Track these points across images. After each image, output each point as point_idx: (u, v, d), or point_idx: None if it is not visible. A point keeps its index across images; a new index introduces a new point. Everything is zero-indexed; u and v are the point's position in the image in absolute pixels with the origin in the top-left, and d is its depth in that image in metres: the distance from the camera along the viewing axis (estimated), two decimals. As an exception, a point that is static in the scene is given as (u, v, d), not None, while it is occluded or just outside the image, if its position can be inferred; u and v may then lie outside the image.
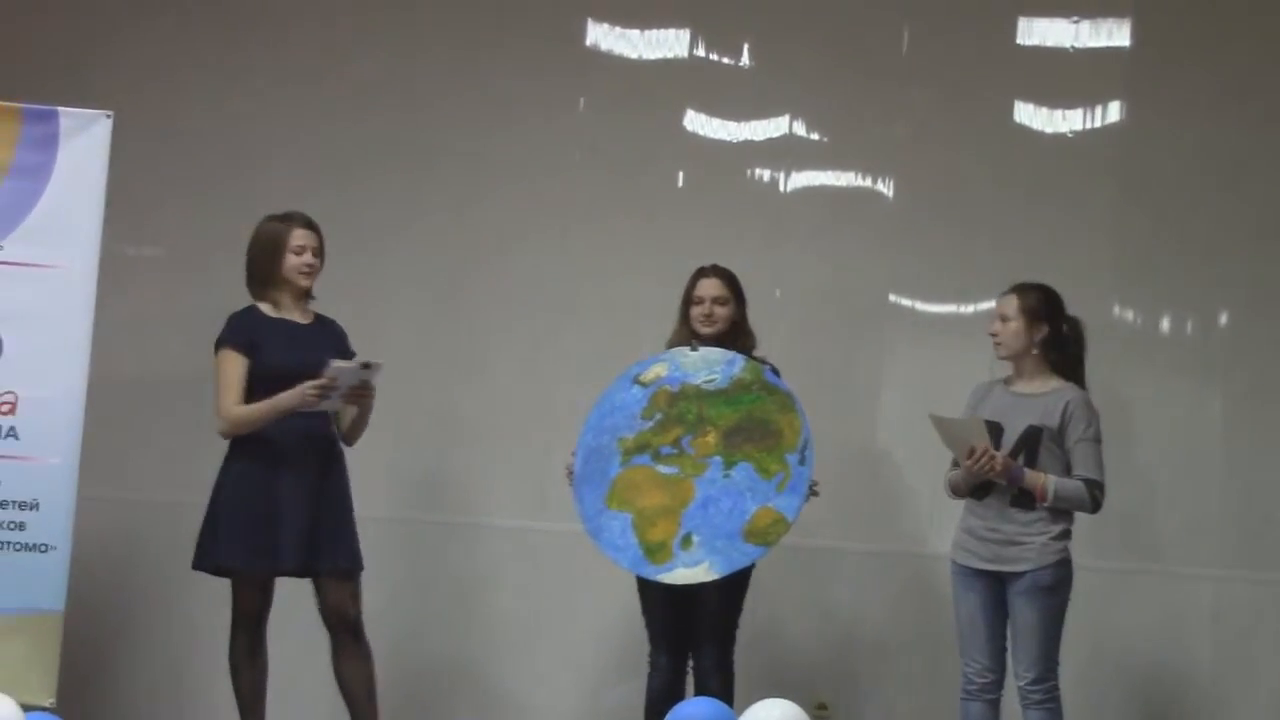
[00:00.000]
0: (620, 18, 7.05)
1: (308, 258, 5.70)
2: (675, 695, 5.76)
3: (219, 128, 7.05)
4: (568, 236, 6.99)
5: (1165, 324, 6.70)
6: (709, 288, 5.92)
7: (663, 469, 5.68)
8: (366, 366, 5.50)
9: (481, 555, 6.87)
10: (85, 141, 5.80)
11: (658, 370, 5.84)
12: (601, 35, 7.07)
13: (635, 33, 7.05)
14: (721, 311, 5.89)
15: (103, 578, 6.53)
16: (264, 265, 5.72)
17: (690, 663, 5.87)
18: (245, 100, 7.07)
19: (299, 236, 5.71)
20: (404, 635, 6.70)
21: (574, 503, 5.73)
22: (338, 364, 5.46)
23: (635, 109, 7.01)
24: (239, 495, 5.60)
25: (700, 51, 7.02)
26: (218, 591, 6.20)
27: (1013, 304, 5.60)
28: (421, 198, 6.97)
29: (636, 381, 5.84)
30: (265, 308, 5.72)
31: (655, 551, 5.56)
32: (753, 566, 5.70)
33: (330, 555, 5.66)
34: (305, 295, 5.77)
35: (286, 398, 5.49)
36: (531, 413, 6.81)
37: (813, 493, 5.62)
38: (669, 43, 7.05)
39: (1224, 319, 6.65)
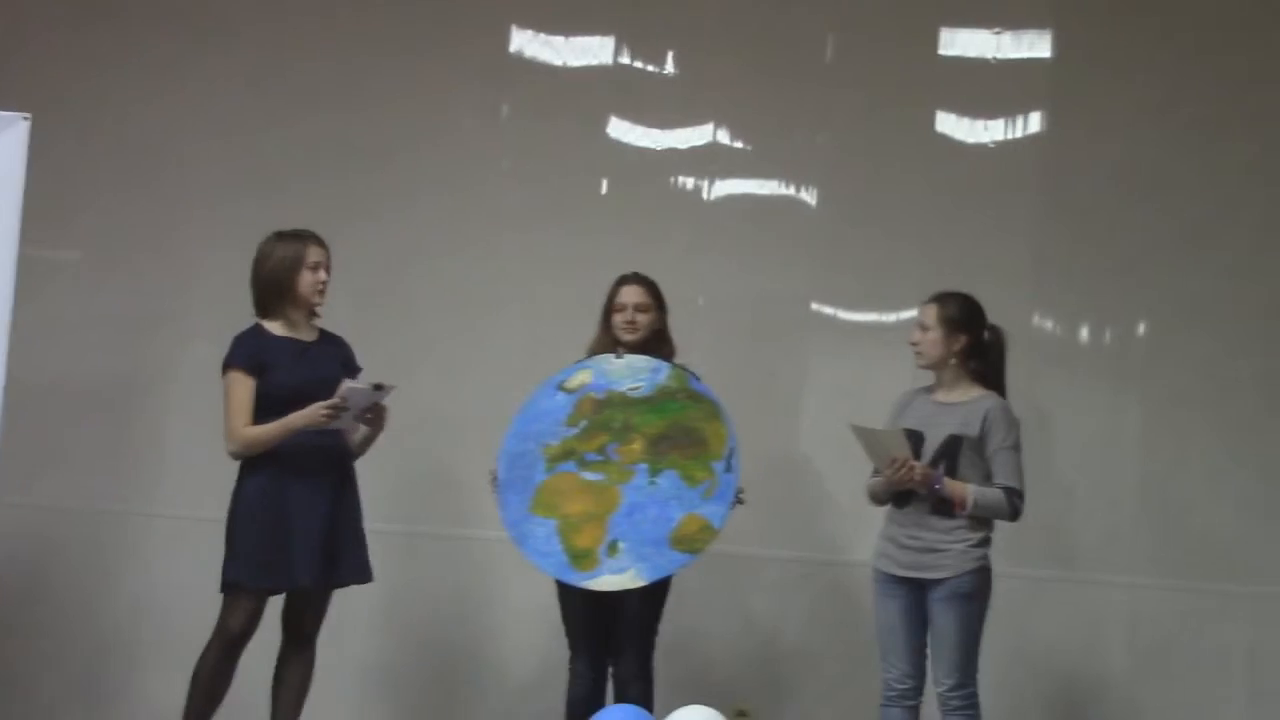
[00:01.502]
0: (544, 25, 7.05)
1: (322, 275, 5.68)
2: (596, 703, 5.75)
3: (140, 131, 7.02)
4: (491, 243, 6.98)
5: (1084, 333, 6.75)
6: (631, 294, 5.92)
7: (588, 475, 5.69)
8: (379, 388, 5.50)
9: (401, 563, 6.83)
10: (2, 143, 5.73)
11: (582, 377, 5.84)
12: (525, 42, 7.07)
13: (559, 40, 7.06)
14: (643, 319, 5.89)
15: (14, 585, 6.47)
16: (282, 282, 5.65)
17: (610, 670, 5.87)
18: (166, 103, 7.03)
19: (315, 254, 5.68)
20: (347, 641, 6.67)
21: (498, 509, 5.72)
22: (350, 385, 5.46)
23: (559, 116, 7.01)
24: (253, 512, 5.54)
25: (624, 59, 7.03)
26: (133, 601, 6.17)
27: (932, 313, 5.62)
28: (346, 204, 6.92)
29: (561, 388, 5.84)
30: (273, 326, 5.67)
31: (581, 558, 5.56)
32: (671, 575, 5.71)
33: (347, 569, 5.67)
34: (312, 313, 5.74)
35: (298, 418, 5.48)
36: (453, 419, 6.79)
37: (739, 500, 5.63)
38: (593, 50, 7.06)
39: (1142, 329, 6.71)
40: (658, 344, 5.92)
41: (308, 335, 5.73)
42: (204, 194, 6.96)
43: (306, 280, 5.66)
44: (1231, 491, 6.56)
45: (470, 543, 6.71)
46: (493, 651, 6.79)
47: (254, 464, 5.57)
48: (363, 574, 5.73)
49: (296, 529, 5.52)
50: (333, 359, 5.71)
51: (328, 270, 5.71)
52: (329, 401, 5.44)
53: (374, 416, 5.64)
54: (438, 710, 6.82)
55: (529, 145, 7.02)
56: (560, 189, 6.98)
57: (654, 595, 5.75)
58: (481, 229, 6.99)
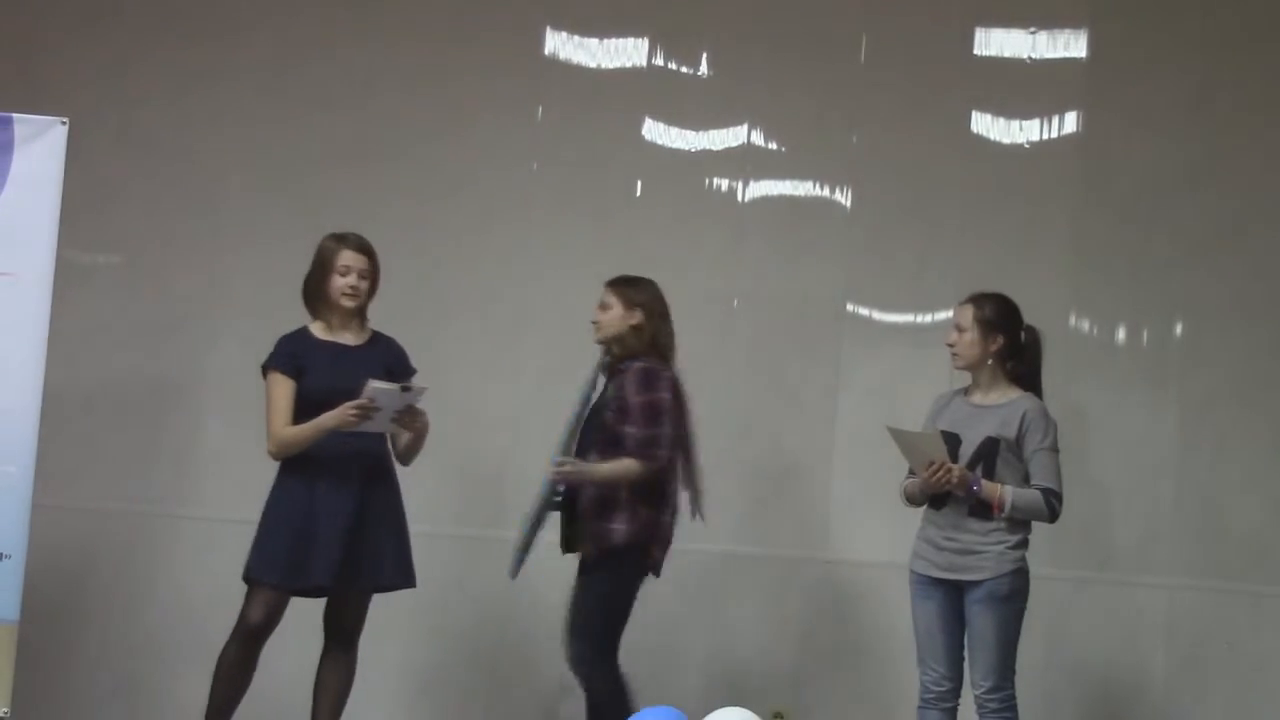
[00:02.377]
0: (579, 27, 7.05)
1: (352, 279, 5.66)
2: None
3: (176, 134, 7.02)
4: (525, 244, 6.98)
5: (1121, 333, 6.73)
6: (600, 298, 5.95)
7: None
8: (406, 389, 5.49)
9: (437, 563, 6.84)
10: (40, 148, 5.74)
11: None
12: (560, 44, 7.07)
13: (594, 41, 7.05)
14: (604, 317, 5.88)
15: (55, 586, 6.49)
16: (315, 284, 5.70)
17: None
18: (202, 106, 7.03)
19: (346, 257, 5.67)
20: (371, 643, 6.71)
21: None
22: (376, 385, 5.44)
23: (594, 117, 7.02)
24: (279, 511, 5.59)
25: (659, 60, 7.03)
26: (170, 601, 6.19)
27: (968, 315, 5.59)
28: (379, 206, 6.92)
29: None
30: (316, 328, 5.70)
31: None
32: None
33: (385, 573, 5.68)
34: (357, 316, 5.74)
35: (328, 418, 5.48)
36: (489, 421, 6.80)
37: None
38: (627, 52, 7.05)
39: (1180, 329, 6.69)
40: (626, 341, 5.89)
41: (352, 339, 5.73)
42: (237, 197, 6.97)
43: (335, 284, 5.66)
44: (1270, 491, 6.55)
45: (505, 544, 6.71)
46: (529, 652, 6.78)
47: (288, 465, 5.61)
48: (404, 578, 5.74)
49: (320, 531, 5.54)
50: (374, 363, 5.68)
51: (365, 276, 5.69)
52: (356, 401, 5.44)
53: (408, 419, 5.61)
54: (476, 711, 6.82)
55: (564, 147, 7.01)
56: (595, 190, 6.99)
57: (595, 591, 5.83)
58: (516, 230, 6.99)
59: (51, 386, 5.72)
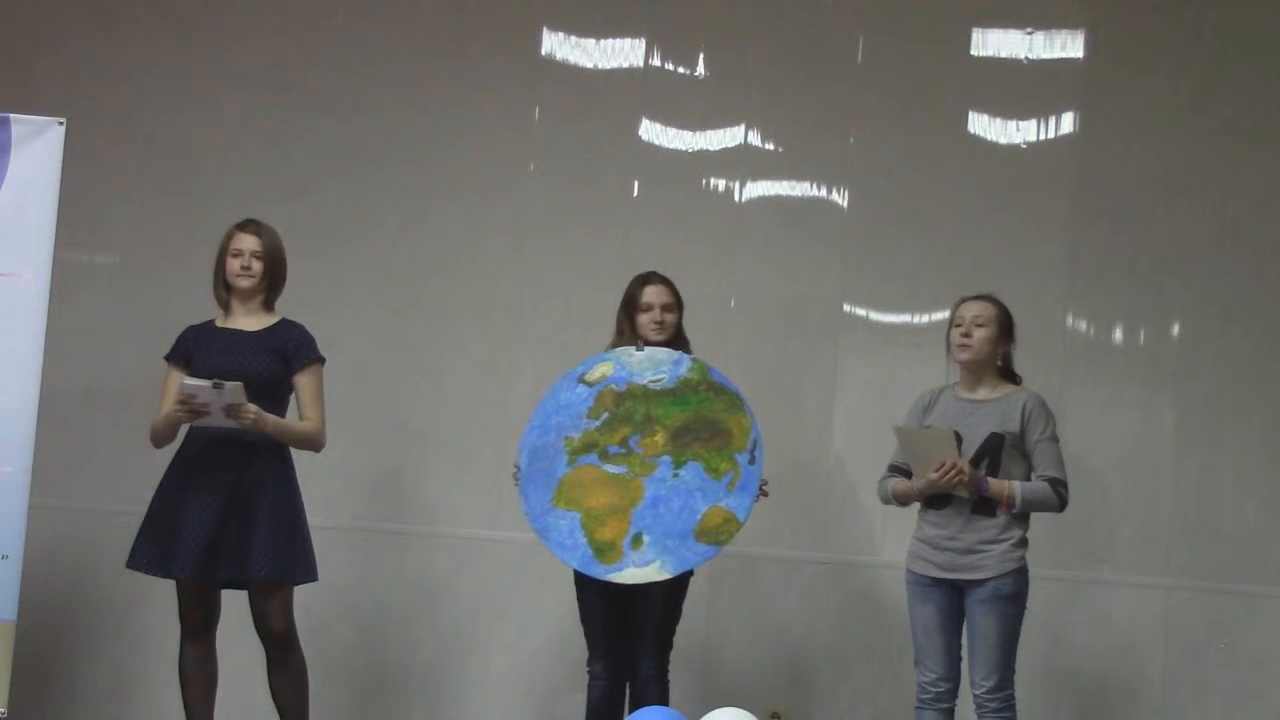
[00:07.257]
0: (576, 27, 7.06)
1: (243, 260, 5.67)
2: (616, 705, 5.74)
3: (172, 135, 7.04)
4: (522, 246, 6.98)
5: (1118, 334, 6.72)
6: (658, 294, 5.90)
7: (610, 468, 5.67)
8: (217, 386, 5.40)
9: (436, 564, 6.86)
10: (38, 148, 5.75)
11: (603, 370, 5.83)
12: (557, 45, 7.07)
13: (590, 42, 7.05)
14: (671, 318, 5.88)
15: (53, 586, 6.50)
16: (216, 273, 5.74)
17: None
18: (199, 108, 7.06)
19: (236, 240, 5.69)
20: (356, 644, 6.71)
21: (520, 502, 5.71)
22: (189, 382, 5.45)
23: (590, 118, 7.02)
24: (154, 501, 5.66)
25: (655, 61, 7.03)
26: (169, 601, 6.17)
27: (989, 310, 5.58)
28: (377, 206, 6.96)
29: (582, 381, 5.83)
30: (220, 318, 5.72)
31: (605, 551, 5.55)
32: (691, 574, 5.70)
33: (246, 564, 5.54)
34: (256, 301, 5.73)
35: (168, 412, 5.59)
36: (486, 421, 6.80)
37: (763, 493, 5.63)
38: (624, 52, 7.05)
39: (1177, 329, 6.68)
40: (679, 343, 5.91)
41: (253, 325, 5.70)
42: (234, 198, 6.93)
43: (229, 267, 5.69)
44: (1266, 492, 6.55)
45: (503, 545, 6.72)
46: (524, 652, 6.80)
47: (171, 456, 5.71)
48: (272, 571, 5.58)
49: (185, 523, 5.54)
50: (264, 349, 5.66)
51: (260, 258, 5.68)
52: (178, 397, 5.47)
53: (235, 414, 5.47)
54: (469, 711, 6.82)
55: (561, 148, 7.02)
56: (592, 191, 6.99)
57: (675, 595, 5.74)
58: (513, 231, 6.99)
59: (49, 386, 5.72)
